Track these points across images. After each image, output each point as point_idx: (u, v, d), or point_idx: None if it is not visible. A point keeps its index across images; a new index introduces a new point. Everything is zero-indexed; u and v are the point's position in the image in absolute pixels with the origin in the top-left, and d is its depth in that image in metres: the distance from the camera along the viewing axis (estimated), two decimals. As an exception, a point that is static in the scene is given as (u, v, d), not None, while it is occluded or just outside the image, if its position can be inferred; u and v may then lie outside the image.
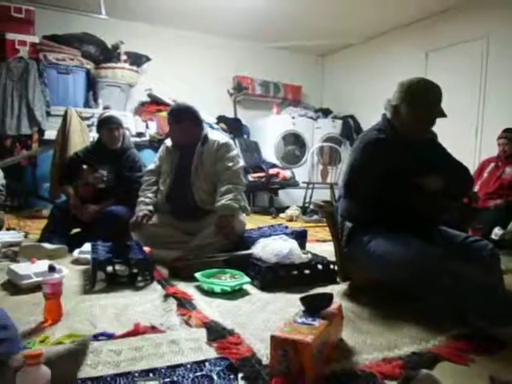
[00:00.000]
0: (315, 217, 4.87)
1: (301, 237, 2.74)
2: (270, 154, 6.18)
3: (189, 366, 1.04)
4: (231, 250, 2.43)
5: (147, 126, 5.38)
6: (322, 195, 5.15)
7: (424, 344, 1.45)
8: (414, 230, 1.79)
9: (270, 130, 6.31)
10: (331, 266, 2.25)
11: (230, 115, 6.53)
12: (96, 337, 1.41)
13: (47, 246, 2.61)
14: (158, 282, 2.14)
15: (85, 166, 3.03)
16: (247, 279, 2.08)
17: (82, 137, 4.38)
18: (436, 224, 1.98)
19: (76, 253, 2.55)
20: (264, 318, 1.66)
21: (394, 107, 1.92)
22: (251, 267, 2.21)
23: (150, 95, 5.76)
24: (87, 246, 2.50)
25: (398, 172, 1.82)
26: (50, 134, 4.60)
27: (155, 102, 5.74)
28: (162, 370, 1.01)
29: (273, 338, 1.18)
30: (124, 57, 5.45)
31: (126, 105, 5.63)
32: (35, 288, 1.85)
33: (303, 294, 1.46)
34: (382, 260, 1.77)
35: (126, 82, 5.46)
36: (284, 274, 2.13)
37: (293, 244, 2.28)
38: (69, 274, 2.10)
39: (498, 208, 3.41)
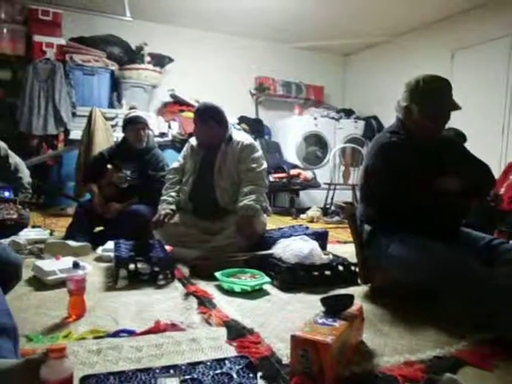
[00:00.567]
0: (336, 218, 4.84)
1: (321, 238, 2.72)
2: (291, 154, 6.16)
3: (209, 363, 1.04)
4: (252, 249, 2.43)
5: (169, 126, 5.45)
6: (343, 196, 5.11)
7: (447, 348, 1.41)
8: (436, 232, 1.75)
9: (291, 130, 6.28)
10: (352, 268, 2.22)
11: (252, 116, 6.53)
12: (117, 333, 1.43)
13: (72, 243, 2.66)
14: (179, 280, 2.15)
15: (109, 166, 3.08)
16: (267, 279, 2.07)
17: (106, 137, 4.47)
18: (458, 226, 1.93)
19: (99, 250, 2.59)
20: (283, 318, 1.65)
21: (404, 108, 1.89)
22: (271, 267, 2.20)
23: (172, 95, 5.82)
24: (110, 244, 2.54)
25: (413, 174, 1.79)
26: (76, 133, 4.72)
27: (178, 102, 5.80)
28: (183, 367, 1.02)
29: (293, 337, 1.18)
30: (148, 58, 5.53)
31: (149, 105, 5.70)
32: (60, 284, 1.89)
33: (324, 295, 1.44)
34: (403, 266, 1.74)
35: (150, 82, 5.53)
36: (304, 274, 2.12)
37: (313, 244, 2.26)
38: (92, 270, 2.13)
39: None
